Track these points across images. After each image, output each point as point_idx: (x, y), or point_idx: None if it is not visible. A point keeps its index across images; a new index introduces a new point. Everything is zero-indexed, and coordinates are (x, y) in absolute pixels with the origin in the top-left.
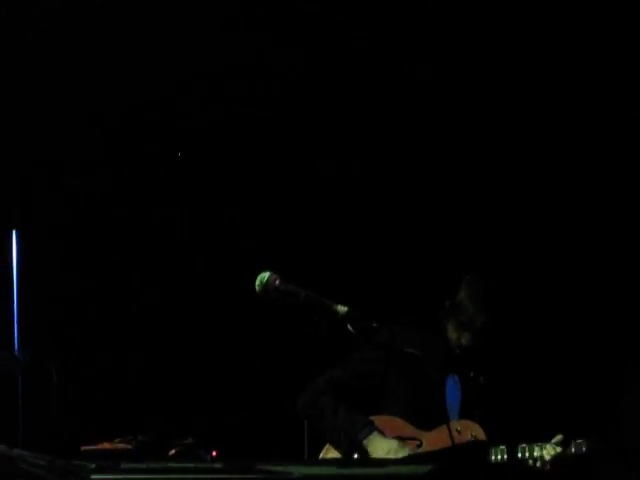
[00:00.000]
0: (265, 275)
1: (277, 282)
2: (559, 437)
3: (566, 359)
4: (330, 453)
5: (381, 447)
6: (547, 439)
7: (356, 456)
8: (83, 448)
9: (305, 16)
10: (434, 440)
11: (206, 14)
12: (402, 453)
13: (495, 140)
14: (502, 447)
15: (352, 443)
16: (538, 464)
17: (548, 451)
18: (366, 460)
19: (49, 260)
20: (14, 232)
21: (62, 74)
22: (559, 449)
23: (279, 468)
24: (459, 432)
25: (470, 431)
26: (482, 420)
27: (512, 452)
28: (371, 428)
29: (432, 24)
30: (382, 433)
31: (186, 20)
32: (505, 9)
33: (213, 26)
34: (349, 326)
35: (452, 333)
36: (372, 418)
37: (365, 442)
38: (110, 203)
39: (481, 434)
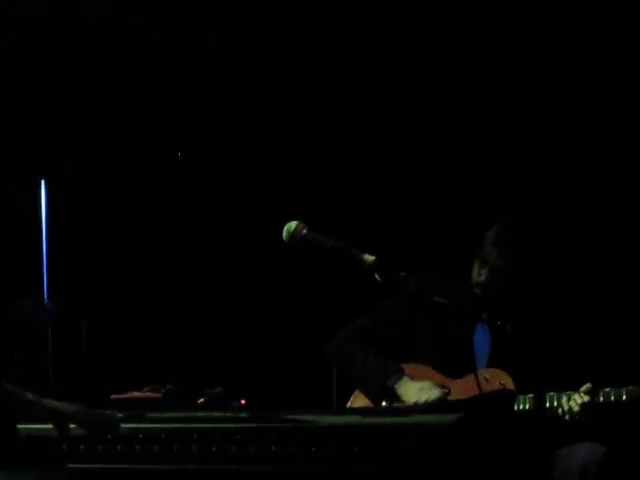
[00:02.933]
0: (292, 224)
1: (304, 231)
2: (587, 386)
3: (596, 307)
4: (358, 399)
5: (412, 388)
6: (575, 388)
7: (384, 403)
8: (112, 397)
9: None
10: (462, 388)
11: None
12: (435, 391)
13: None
14: (530, 396)
15: (382, 388)
16: (566, 412)
17: (576, 400)
18: (391, 409)
19: (78, 209)
20: (42, 181)
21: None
22: (587, 398)
23: (305, 417)
24: (487, 380)
25: (498, 380)
26: (511, 369)
27: (539, 401)
28: (401, 374)
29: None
30: (411, 378)
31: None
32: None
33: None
34: (377, 275)
35: (475, 270)
36: (401, 366)
37: (396, 386)
38: (139, 152)
39: (510, 383)
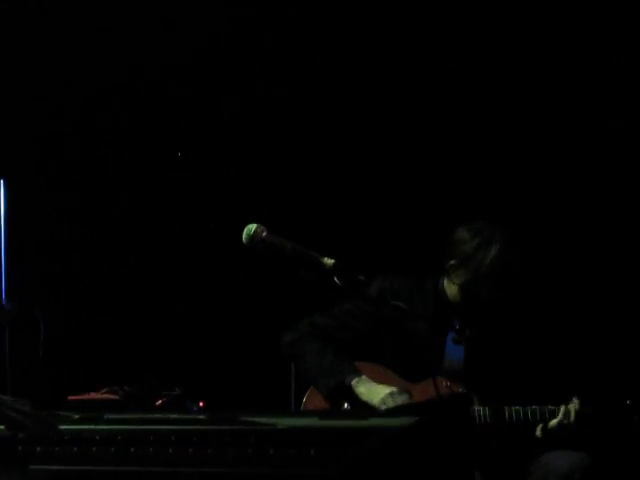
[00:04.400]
0: (252, 227)
1: (264, 234)
2: (576, 401)
3: (565, 321)
4: (313, 396)
5: (378, 390)
6: (540, 401)
7: (346, 405)
8: (69, 398)
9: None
10: (423, 392)
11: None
12: (404, 396)
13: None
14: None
15: (339, 386)
16: (563, 424)
17: (570, 411)
18: (348, 412)
19: (37, 208)
20: (1, 180)
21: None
22: (579, 407)
23: (263, 419)
24: (449, 387)
25: (459, 388)
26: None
27: (498, 412)
28: (359, 373)
29: None
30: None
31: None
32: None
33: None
34: (336, 279)
35: (457, 274)
36: (358, 364)
37: (353, 384)
38: (101, 151)
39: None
